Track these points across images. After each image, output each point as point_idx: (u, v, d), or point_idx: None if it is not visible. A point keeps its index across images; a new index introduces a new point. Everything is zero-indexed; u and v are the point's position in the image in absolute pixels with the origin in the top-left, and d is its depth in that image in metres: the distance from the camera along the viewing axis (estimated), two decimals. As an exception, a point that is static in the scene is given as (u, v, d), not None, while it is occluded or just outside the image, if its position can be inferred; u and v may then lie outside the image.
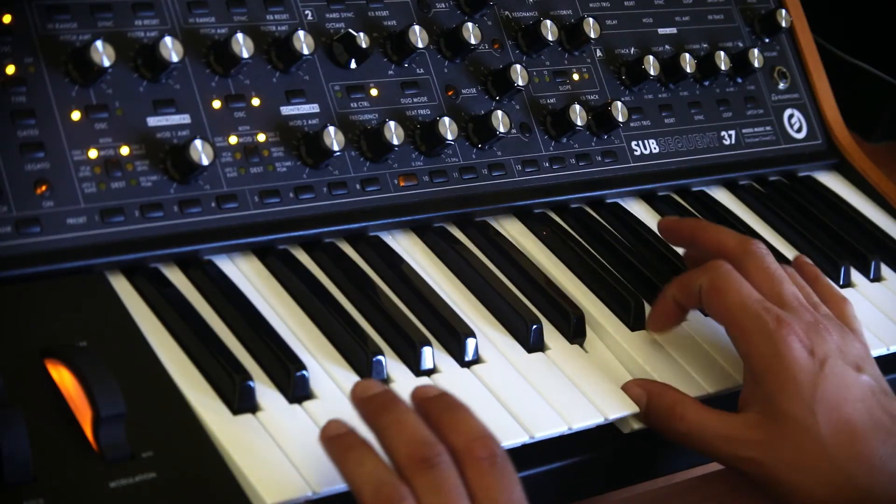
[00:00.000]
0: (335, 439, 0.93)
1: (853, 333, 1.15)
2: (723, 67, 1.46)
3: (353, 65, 1.24)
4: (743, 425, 1.08)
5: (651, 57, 1.41)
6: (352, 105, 1.23)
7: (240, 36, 1.14)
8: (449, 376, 1.09)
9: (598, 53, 1.41)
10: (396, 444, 0.91)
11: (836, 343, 1.10)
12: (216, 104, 1.16)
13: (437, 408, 0.95)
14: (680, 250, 1.30)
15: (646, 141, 1.41)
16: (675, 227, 1.26)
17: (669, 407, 1.10)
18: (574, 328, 1.18)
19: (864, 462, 1.05)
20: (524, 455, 1.05)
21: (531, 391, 1.10)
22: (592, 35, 1.37)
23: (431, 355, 1.09)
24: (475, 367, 1.11)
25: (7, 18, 1.08)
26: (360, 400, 0.95)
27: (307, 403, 1.02)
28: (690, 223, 1.26)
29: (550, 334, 1.18)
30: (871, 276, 1.40)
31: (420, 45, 1.25)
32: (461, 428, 0.93)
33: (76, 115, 1.09)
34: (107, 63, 1.08)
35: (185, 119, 1.14)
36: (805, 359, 1.07)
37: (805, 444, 1.05)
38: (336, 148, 1.17)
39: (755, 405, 1.08)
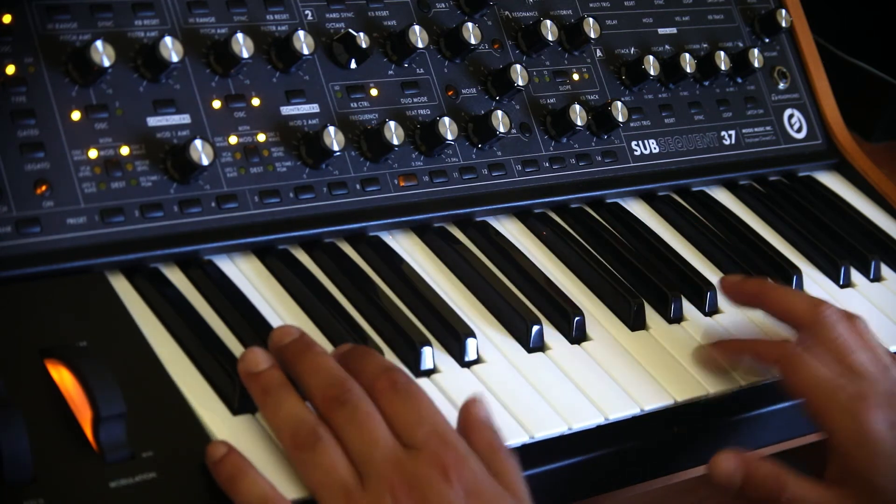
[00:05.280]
0: (253, 378, 0.97)
1: None
2: (723, 67, 1.46)
3: (353, 65, 1.24)
4: (839, 497, 1.08)
5: (651, 57, 1.41)
6: (352, 105, 1.23)
7: (240, 36, 1.14)
8: (449, 376, 1.09)
9: (598, 53, 1.41)
10: (312, 387, 0.96)
11: None
12: (216, 104, 1.16)
13: (347, 358, 1.00)
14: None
15: (646, 141, 1.41)
16: (739, 288, 1.23)
17: (770, 479, 1.09)
18: (574, 328, 1.18)
19: None
20: (525, 455, 1.05)
21: (531, 391, 1.10)
22: (592, 35, 1.37)
23: (431, 355, 1.09)
24: (475, 367, 1.11)
25: (7, 18, 1.08)
26: (278, 348, 1.00)
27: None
28: (756, 284, 1.23)
29: (550, 334, 1.18)
30: (871, 276, 1.40)
31: (420, 45, 1.25)
32: (366, 369, 0.98)
33: (76, 115, 1.09)
34: (107, 63, 1.08)
35: (185, 119, 1.14)
36: (887, 431, 1.08)
37: None
38: (336, 148, 1.17)
39: (848, 479, 1.08)
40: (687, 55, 1.44)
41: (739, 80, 1.51)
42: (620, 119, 1.35)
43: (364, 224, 1.21)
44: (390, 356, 1.09)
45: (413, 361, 1.09)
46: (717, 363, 1.18)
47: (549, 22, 1.35)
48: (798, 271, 1.34)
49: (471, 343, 1.12)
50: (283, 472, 0.95)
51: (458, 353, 1.12)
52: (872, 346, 1.16)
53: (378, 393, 0.96)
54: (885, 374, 1.13)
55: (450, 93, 1.29)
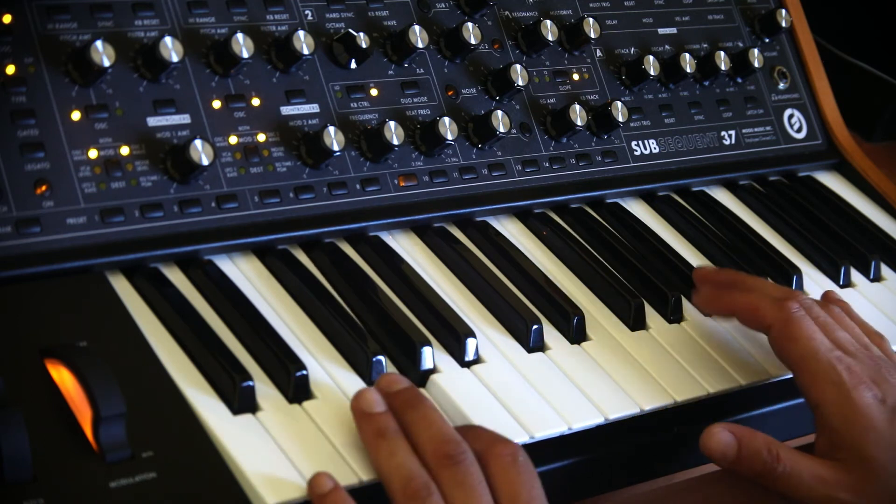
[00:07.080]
0: (368, 418, 0.98)
1: None
2: (723, 67, 1.46)
3: (353, 65, 1.24)
4: (833, 468, 1.09)
5: (651, 57, 1.41)
6: (352, 105, 1.23)
7: (240, 36, 1.14)
8: (449, 376, 1.09)
9: (598, 53, 1.41)
10: (423, 440, 0.97)
11: None
12: (216, 104, 1.16)
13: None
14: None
15: (646, 141, 1.41)
16: (711, 279, 1.23)
17: (764, 449, 1.10)
18: (574, 328, 1.18)
19: None
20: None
21: (531, 391, 1.10)
22: (592, 35, 1.37)
23: (431, 355, 1.09)
24: (475, 367, 1.11)
25: (7, 18, 1.08)
26: (386, 395, 1.00)
27: (307, 403, 1.02)
28: (728, 278, 1.22)
29: (550, 334, 1.18)
30: (871, 276, 1.40)
31: (420, 45, 1.25)
32: (482, 434, 0.99)
33: (76, 115, 1.09)
34: (107, 63, 1.08)
35: (185, 119, 1.14)
36: (878, 407, 1.09)
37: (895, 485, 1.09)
38: (336, 148, 1.17)
39: (839, 451, 1.09)
40: (687, 55, 1.44)
41: (739, 80, 1.51)
42: (620, 119, 1.35)
43: (364, 224, 1.21)
44: (390, 355, 1.09)
45: (413, 361, 1.09)
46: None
47: (549, 22, 1.35)
48: (798, 271, 1.34)
49: (471, 343, 1.12)
50: (285, 474, 0.95)
51: (458, 353, 1.12)
52: (849, 327, 1.17)
53: (495, 459, 0.96)
54: (867, 353, 1.14)
55: (450, 93, 1.29)
